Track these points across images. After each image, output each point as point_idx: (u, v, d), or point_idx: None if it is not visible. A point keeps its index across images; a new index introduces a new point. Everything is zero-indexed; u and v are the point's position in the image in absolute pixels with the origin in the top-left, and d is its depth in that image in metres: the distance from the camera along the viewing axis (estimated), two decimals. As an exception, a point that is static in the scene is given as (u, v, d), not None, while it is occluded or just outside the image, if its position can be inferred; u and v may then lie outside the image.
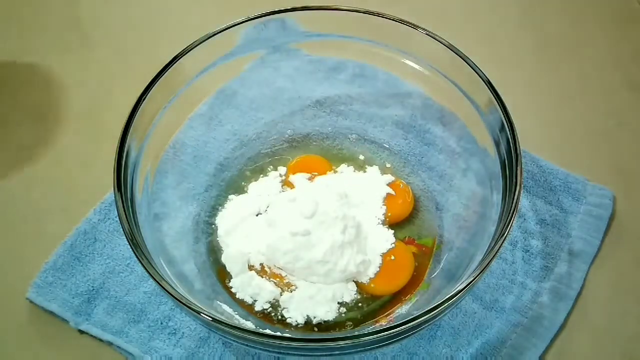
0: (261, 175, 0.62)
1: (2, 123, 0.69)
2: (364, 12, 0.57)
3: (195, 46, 0.54)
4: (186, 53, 0.54)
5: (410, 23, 0.56)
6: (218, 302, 0.54)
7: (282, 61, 0.61)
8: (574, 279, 0.57)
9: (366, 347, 0.44)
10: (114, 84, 0.72)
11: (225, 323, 0.42)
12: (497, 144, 0.51)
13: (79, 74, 0.73)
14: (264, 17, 0.57)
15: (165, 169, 0.56)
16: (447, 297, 0.43)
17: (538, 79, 0.73)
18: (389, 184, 0.60)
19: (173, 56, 0.54)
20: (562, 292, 0.57)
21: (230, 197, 0.61)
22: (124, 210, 0.46)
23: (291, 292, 0.55)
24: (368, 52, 0.59)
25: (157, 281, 0.44)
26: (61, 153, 0.66)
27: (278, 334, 0.46)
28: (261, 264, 0.56)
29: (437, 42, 0.55)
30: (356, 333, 0.46)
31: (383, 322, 0.53)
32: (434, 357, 0.53)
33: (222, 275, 0.56)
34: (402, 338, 0.45)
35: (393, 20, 0.56)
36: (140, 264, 0.44)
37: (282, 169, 0.63)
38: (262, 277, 0.55)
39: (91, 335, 0.54)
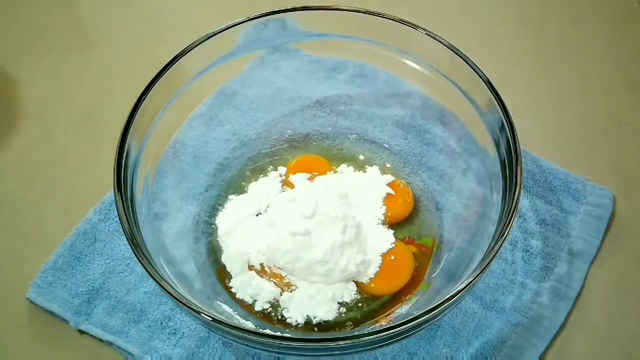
0: (261, 175, 0.62)
1: (2, 123, 0.69)
2: (364, 12, 0.57)
3: (195, 46, 0.54)
4: (186, 53, 0.54)
5: (410, 23, 0.56)
6: (218, 302, 0.54)
7: (282, 61, 0.61)
8: (574, 279, 0.57)
9: (366, 347, 0.44)
10: (114, 84, 0.72)
11: (225, 323, 0.42)
12: (497, 144, 0.51)
13: (79, 74, 0.73)
14: (264, 17, 0.57)
15: (165, 169, 0.56)
16: (447, 297, 0.43)
17: (538, 79, 0.73)
18: (389, 184, 0.60)
19: (173, 56, 0.54)
20: (562, 292, 0.57)
21: (230, 197, 0.61)
22: (124, 210, 0.46)
23: (291, 292, 0.55)
24: (368, 52, 0.59)
25: (157, 281, 0.44)
26: (61, 153, 0.66)
27: (278, 334, 0.46)
28: (261, 264, 0.56)
29: (437, 42, 0.55)
30: (356, 333, 0.46)
31: (383, 322, 0.53)
32: (434, 357, 0.53)
33: (222, 275, 0.56)
34: (402, 338, 0.45)
35: (393, 20, 0.56)
36: (140, 264, 0.44)
37: (282, 169, 0.63)
38: (262, 277, 0.55)
39: (91, 335, 0.54)
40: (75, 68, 0.74)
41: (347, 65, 0.65)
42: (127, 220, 0.46)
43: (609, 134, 0.68)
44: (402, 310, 0.54)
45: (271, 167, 0.63)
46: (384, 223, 0.58)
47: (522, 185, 0.47)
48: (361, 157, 0.64)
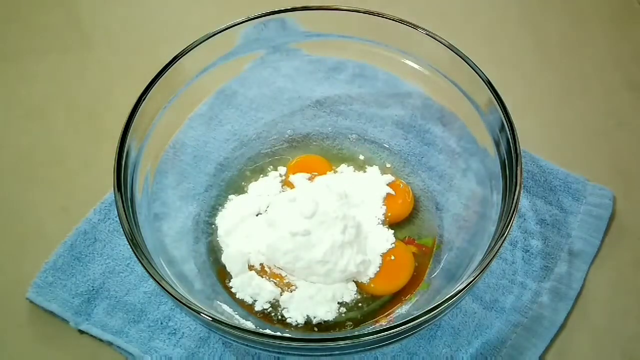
0: (261, 175, 0.62)
1: (2, 123, 0.69)
2: (364, 12, 0.57)
3: (195, 46, 0.54)
4: (186, 53, 0.54)
5: (410, 23, 0.56)
6: (218, 302, 0.54)
7: (282, 61, 0.61)
8: (574, 279, 0.57)
9: (366, 347, 0.44)
10: (114, 84, 0.72)
11: (225, 323, 0.42)
12: (497, 144, 0.51)
13: (79, 74, 0.73)
14: (264, 17, 0.57)
15: (165, 169, 0.56)
16: (447, 297, 0.43)
17: (538, 79, 0.73)
18: (389, 184, 0.60)
19: (173, 56, 0.54)
20: (562, 292, 0.57)
21: (230, 197, 0.61)
22: (124, 210, 0.46)
23: (291, 292, 0.55)
24: (368, 52, 0.59)
25: (157, 281, 0.44)
26: (61, 153, 0.66)
27: (278, 334, 0.46)
28: (261, 264, 0.56)
29: (437, 42, 0.55)
30: (356, 333, 0.46)
31: (383, 322, 0.53)
32: (434, 357, 0.53)
33: (222, 275, 0.56)
34: (402, 338, 0.45)
35: (393, 20, 0.56)
36: (140, 264, 0.44)
37: (282, 169, 0.63)
38: (262, 277, 0.55)
39: (91, 335, 0.54)
40: (75, 68, 0.74)
41: (347, 65, 0.65)
42: (127, 220, 0.46)
43: (609, 134, 0.68)
44: (402, 310, 0.54)
45: (271, 167, 0.63)
46: (384, 223, 0.58)
47: (522, 185, 0.47)
48: (361, 157, 0.64)
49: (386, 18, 0.56)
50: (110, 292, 0.56)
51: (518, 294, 0.56)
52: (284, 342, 0.43)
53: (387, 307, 0.55)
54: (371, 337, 0.42)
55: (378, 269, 0.55)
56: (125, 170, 0.48)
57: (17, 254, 0.59)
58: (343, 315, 0.54)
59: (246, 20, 0.56)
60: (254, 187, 0.61)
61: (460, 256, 0.54)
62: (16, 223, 0.61)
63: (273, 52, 0.60)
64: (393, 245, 0.56)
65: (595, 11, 0.79)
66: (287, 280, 0.55)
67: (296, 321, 0.53)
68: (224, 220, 0.59)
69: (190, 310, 0.43)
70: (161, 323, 0.55)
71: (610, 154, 0.67)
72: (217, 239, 0.58)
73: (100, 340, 0.54)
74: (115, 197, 0.47)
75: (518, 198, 0.47)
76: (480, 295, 0.56)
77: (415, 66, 0.58)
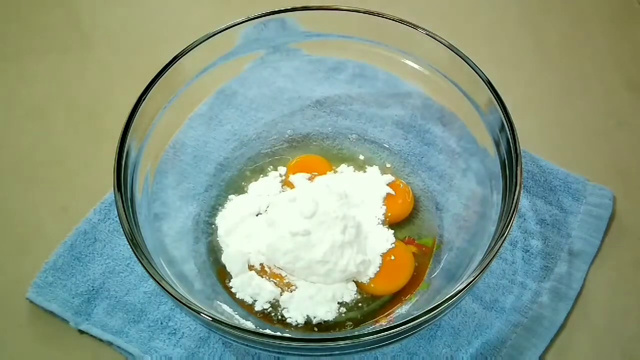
0: (261, 175, 0.62)
1: (2, 123, 0.69)
2: (364, 12, 0.57)
3: (195, 46, 0.54)
4: (186, 53, 0.54)
5: (410, 23, 0.56)
6: (218, 302, 0.54)
7: (282, 61, 0.61)
8: (574, 279, 0.57)
9: (366, 347, 0.44)
10: (114, 84, 0.72)
11: (225, 323, 0.42)
12: (497, 144, 0.51)
13: (79, 74, 0.73)
14: (264, 17, 0.57)
15: (165, 169, 0.56)
16: (447, 297, 0.43)
17: (538, 79, 0.73)
18: (389, 184, 0.60)
19: (173, 56, 0.54)
20: (562, 292, 0.57)
21: (230, 197, 0.61)
22: (124, 210, 0.46)
23: (291, 292, 0.55)
24: (368, 52, 0.59)
25: (157, 281, 0.44)
26: (61, 153, 0.66)
27: (278, 334, 0.46)
28: (261, 264, 0.56)
29: (437, 42, 0.55)
30: (356, 333, 0.46)
31: (383, 322, 0.53)
32: (434, 357, 0.53)
33: (222, 275, 0.56)
34: (402, 338, 0.45)
35: (393, 20, 0.56)
36: (140, 264, 0.44)
37: (282, 169, 0.63)
38: (262, 277, 0.55)
39: (91, 335, 0.54)
40: (75, 68, 0.74)
41: (347, 65, 0.65)
42: (127, 220, 0.46)
43: (609, 134, 0.68)
44: (402, 310, 0.54)
45: (271, 167, 0.63)
46: (384, 223, 0.58)
47: (522, 185, 0.47)
48: (361, 157, 0.64)
49: (386, 18, 0.56)
50: (110, 292, 0.56)
51: (518, 294, 0.56)
52: (284, 342, 0.43)
53: (387, 307, 0.55)
54: (371, 337, 0.42)
55: (378, 269, 0.55)
56: (125, 170, 0.48)
57: (17, 254, 0.59)
58: (343, 315, 0.54)
59: (246, 20, 0.56)
60: (254, 187, 0.61)
61: (460, 256, 0.54)
62: (16, 223, 0.61)
63: (273, 52, 0.60)
64: (393, 245, 0.56)
65: (595, 11, 0.79)
66: (287, 280, 0.55)
67: (296, 321, 0.53)
68: (224, 220, 0.59)
69: (190, 310, 0.43)
70: (161, 323, 0.55)
71: (610, 154, 0.67)
72: (217, 239, 0.58)
73: (100, 340, 0.54)
74: (115, 197, 0.47)
75: (518, 198, 0.47)
76: (480, 295, 0.56)
77: (415, 66, 0.58)
